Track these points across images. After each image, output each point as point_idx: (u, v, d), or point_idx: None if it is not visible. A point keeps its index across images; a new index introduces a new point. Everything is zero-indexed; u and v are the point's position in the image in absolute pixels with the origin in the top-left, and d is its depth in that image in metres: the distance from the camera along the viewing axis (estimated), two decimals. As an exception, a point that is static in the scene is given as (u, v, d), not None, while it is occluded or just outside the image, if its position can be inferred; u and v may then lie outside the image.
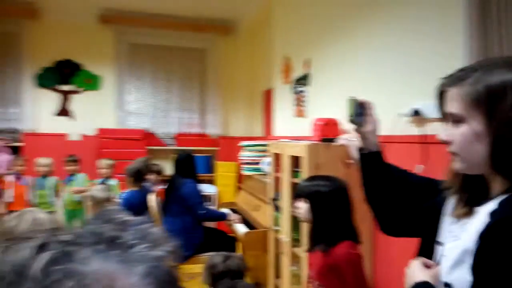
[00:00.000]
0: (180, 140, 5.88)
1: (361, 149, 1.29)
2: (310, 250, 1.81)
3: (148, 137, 5.68)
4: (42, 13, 5.28)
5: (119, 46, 5.64)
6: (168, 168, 5.63)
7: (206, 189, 5.35)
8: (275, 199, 3.10)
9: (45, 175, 4.52)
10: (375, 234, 2.43)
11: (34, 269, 0.34)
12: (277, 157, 3.05)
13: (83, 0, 5.18)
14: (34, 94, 5.38)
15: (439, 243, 0.97)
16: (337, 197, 1.74)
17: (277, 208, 3.06)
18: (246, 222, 3.75)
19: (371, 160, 1.26)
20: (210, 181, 5.76)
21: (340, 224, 1.72)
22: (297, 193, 1.86)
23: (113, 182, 4.45)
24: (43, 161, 4.52)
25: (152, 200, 3.52)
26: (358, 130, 1.28)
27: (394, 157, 1.52)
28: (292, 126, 3.84)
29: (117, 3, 5.30)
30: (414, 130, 2.09)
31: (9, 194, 4.50)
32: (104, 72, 5.62)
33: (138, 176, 3.56)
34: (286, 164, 2.78)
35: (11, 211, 4.41)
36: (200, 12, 5.55)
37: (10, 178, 4.58)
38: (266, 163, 3.50)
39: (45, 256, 0.36)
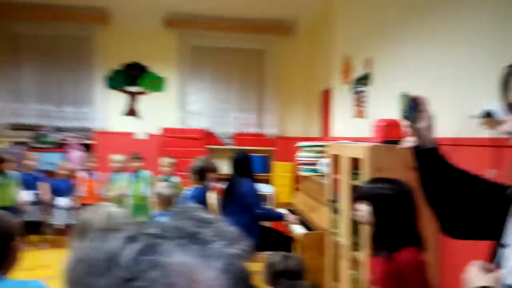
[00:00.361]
0: (238, 140, 6.00)
1: (416, 147, 1.24)
2: (372, 254, 1.77)
3: (207, 136, 5.86)
4: (112, 19, 5.66)
5: (182, 48, 5.88)
6: (226, 167, 5.79)
7: (263, 188, 5.40)
8: (333, 201, 3.06)
9: (118, 171, 4.82)
10: (441, 240, 2.31)
11: (124, 258, 0.37)
12: (335, 158, 3.00)
13: (150, 6, 5.48)
14: (104, 95, 5.77)
15: (503, 245, 0.92)
16: (401, 200, 1.69)
17: (335, 210, 3.01)
18: (303, 223, 3.74)
19: (428, 157, 1.21)
20: (267, 181, 5.81)
21: (404, 229, 1.66)
22: (359, 195, 1.82)
23: (175, 179, 4.63)
24: (117, 158, 4.82)
25: (212, 197, 3.63)
26: (412, 127, 1.23)
27: (462, 160, 1.44)
28: (351, 127, 3.77)
29: (181, 7, 5.53)
30: (484, 133, 1.96)
31: (82, 189, 4.87)
32: (168, 74, 5.89)
33: (201, 174, 3.69)
34: (345, 165, 2.73)
35: (83, 205, 4.78)
36: (259, 14, 5.63)
37: (82, 174, 4.95)
38: (324, 164, 3.47)
39: (135, 247, 0.38)
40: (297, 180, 5.22)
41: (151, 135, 5.78)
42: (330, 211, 3.12)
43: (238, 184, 3.54)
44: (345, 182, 2.74)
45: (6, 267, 1.37)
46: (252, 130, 6.06)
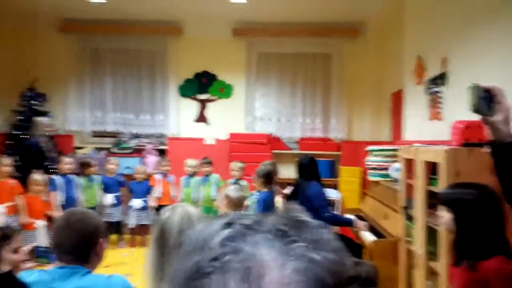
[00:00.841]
0: (303, 144, 5.98)
1: (492, 142, 1.14)
2: (454, 263, 1.66)
3: (273, 141, 5.91)
4: (184, 31, 5.96)
5: (250, 56, 6.02)
6: (291, 172, 5.78)
7: (329, 194, 5.31)
8: (406, 208, 2.92)
9: (191, 175, 5.05)
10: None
11: (214, 241, 0.42)
12: (408, 162, 2.87)
13: (220, 17, 5.70)
14: (177, 103, 6.08)
15: None
16: (486, 206, 1.57)
17: (409, 217, 2.88)
18: (373, 230, 3.62)
19: (505, 152, 1.12)
20: (333, 186, 5.71)
21: (489, 236, 1.54)
22: (440, 201, 1.73)
23: (243, 183, 4.72)
24: (191, 162, 5.05)
25: (279, 201, 3.65)
26: (486, 121, 1.14)
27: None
28: (426, 129, 3.58)
29: (248, 16, 5.68)
30: None
31: (158, 191, 5.16)
32: (236, 81, 6.05)
33: (268, 178, 3.73)
34: (419, 170, 2.60)
35: (158, 206, 5.06)
36: (325, 17, 5.59)
37: (158, 177, 5.25)
38: (396, 169, 3.33)
39: (225, 232, 0.42)
40: (366, 185, 5.07)
41: (219, 141, 5.96)
42: (403, 218, 2.99)
43: (305, 187, 3.52)
44: (420, 187, 2.61)
45: (93, 263, 1.50)
46: (318, 134, 6.00)
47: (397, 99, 4.61)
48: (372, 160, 3.90)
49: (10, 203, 4.08)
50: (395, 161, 3.48)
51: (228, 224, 0.43)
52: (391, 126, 5.05)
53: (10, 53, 5.80)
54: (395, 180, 3.41)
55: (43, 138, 5.14)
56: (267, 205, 3.51)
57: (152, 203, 5.11)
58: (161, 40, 6.00)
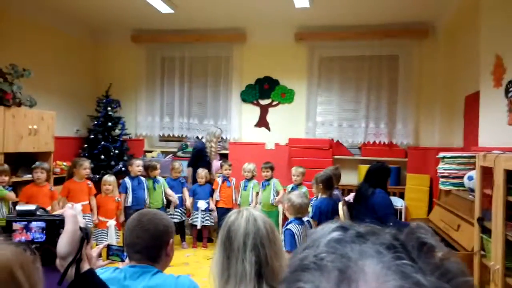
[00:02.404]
0: (366, 150, 5.79)
1: None
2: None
3: (335, 146, 5.79)
4: (248, 37, 6.07)
5: (311, 60, 5.97)
6: (353, 178, 5.63)
7: (394, 202, 5.09)
8: (482, 219, 2.70)
9: (249, 179, 5.11)
10: None
11: (322, 240, 0.43)
12: (485, 171, 2.66)
13: (282, 23, 5.73)
14: (239, 108, 6.19)
15: None
16: None
17: (485, 230, 2.66)
18: (443, 242, 3.39)
19: None
20: (398, 194, 5.46)
21: None
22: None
23: (303, 188, 4.68)
24: (249, 167, 5.12)
25: (341, 208, 3.55)
26: None
27: None
28: (504, 135, 3.29)
29: (311, 21, 5.64)
30: None
31: (218, 194, 5.27)
32: (297, 86, 6.03)
33: (328, 184, 3.66)
34: (499, 179, 2.39)
35: (219, 208, 5.17)
36: (391, 18, 5.38)
37: (219, 180, 5.37)
38: (471, 178, 3.10)
39: (335, 235, 0.43)
40: (435, 194, 4.77)
41: (279, 146, 5.96)
42: (478, 230, 2.77)
43: (370, 194, 3.40)
44: (499, 198, 2.40)
45: (163, 262, 1.54)
46: (383, 140, 5.77)
47: (472, 102, 4.29)
48: (444, 167, 3.66)
49: (85, 203, 4.40)
50: (470, 169, 3.24)
51: (343, 228, 0.44)
52: (464, 131, 4.71)
53: (89, 63, 6.33)
54: (470, 190, 3.17)
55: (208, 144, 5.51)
56: (322, 212, 3.44)
57: (212, 206, 5.24)
58: (226, 47, 6.17)
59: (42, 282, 0.62)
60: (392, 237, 0.41)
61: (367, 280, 0.37)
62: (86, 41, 6.29)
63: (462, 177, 3.43)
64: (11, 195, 3.75)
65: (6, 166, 3.83)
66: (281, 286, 0.43)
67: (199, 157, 5.42)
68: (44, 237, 0.90)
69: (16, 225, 0.90)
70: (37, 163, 4.16)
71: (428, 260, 0.39)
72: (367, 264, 0.38)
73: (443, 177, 3.69)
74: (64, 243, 0.88)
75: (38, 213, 0.93)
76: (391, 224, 3.28)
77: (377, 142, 5.79)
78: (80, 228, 0.91)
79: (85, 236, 0.91)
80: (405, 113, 5.68)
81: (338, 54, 5.91)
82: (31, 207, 0.92)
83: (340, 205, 3.55)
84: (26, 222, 0.90)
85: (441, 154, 3.77)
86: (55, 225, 0.91)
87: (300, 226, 2.91)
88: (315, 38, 5.87)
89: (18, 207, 0.92)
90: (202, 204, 5.21)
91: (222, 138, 5.64)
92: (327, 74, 5.97)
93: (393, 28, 5.54)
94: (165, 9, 5.13)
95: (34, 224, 0.90)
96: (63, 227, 0.90)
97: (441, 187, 3.83)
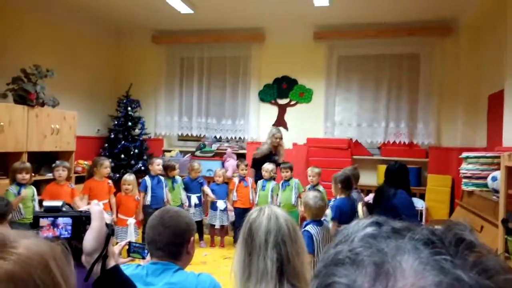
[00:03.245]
0: (386, 150, 5.70)
1: None
2: None
3: (353, 146, 5.73)
4: (267, 37, 6.08)
5: (330, 59, 5.93)
6: (373, 178, 5.55)
7: (414, 203, 5.00)
8: (507, 221, 2.64)
9: (268, 179, 5.10)
10: None
11: (357, 235, 0.43)
12: (510, 171, 2.59)
13: (301, 22, 5.71)
14: (257, 108, 6.20)
15: None
16: None
17: (509, 232, 2.59)
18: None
19: None
20: (419, 195, 5.36)
21: None
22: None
23: (320, 188, 4.64)
24: (268, 167, 5.10)
25: (360, 209, 3.51)
26: None
27: None
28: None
29: (330, 19, 5.60)
30: None
31: (235, 194, 5.28)
32: (315, 86, 6.00)
33: (346, 184, 3.62)
34: (525, 180, 2.33)
35: (236, 208, 5.18)
36: (412, 16, 5.30)
37: (236, 180, 5.37)
38: (495, 178, 3.02)
39: (369, 230, 0.43)
40: (457, 195, 4.67)
41: (297, 145, 5.93)
42: (502, 232, 2.69)
43: (392, 195, 3.34)
44: (525, 199, 2.33)
45: (184, 260, 1.55)
46: (403, 139, 5.68)
47: (496, 101, 4.19)
48: (467, 168, 3.58)
49: (105, 201, 4.47)
50: (494, 169, 3.16)
51: (377, 224, 0.43)
52: (487, 131, 4.60)
53: (110, 64, 6.44)
54: (494, 190, 3.09)
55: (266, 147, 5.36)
56: (343, 212, 3.40)
57: (229, 205, 5.25)
58: (244, 47, 6.18)
59: (74, 276, 0.64)
60: (429, 233, 0.40)
61: (404, 275, 0.37)
62: (108, 42, 6.40)
63: (485, 178, 3.35)
64: (17, 200, 3.73)
65: (28, 164, 3.92)
66: (314, 281, 0.43)
67: (264, 157, 5.28)
68: (71, 233, 0.92)
69: (44, 221, 0.91)
70: (57, 162, 4.24)
71: (466, 256, 0.38)
72: (404, 259, 0.38)
73: (466, 177, 3.61)
74: (90, 239, 0.89)
75: (64, 209, 0.94)
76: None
77: (397, 142, 5.70)
78: (106, 225, 0.93)
79: (111, 232, 0.92)
80: (426, 113, 5.57)
81: (358, 53, 5.85)
82: (58, 203, 0.94)
83: (360, 205, 3.51)
84: (53, 218, 0.92)
85: (464, 154, 3.69)
86: (81, 221, 0.92)
87: (318, 227, 2.89)
88: (334, 36, 5.82)
89: (45, 203, 0.94)
90: (221, 204, 5.23)
91: (278, 136, 5.32)
92: (346, 73, 5.91)
93: (414, 26, 5.45)
94: (184, 9, 5.18)
95: (60, 220, 0.92)
96: (89, 223, 0.92)
97: (463, 187, 3.75)
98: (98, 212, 0.92)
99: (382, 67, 5.74)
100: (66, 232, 0.92)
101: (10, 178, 3.85)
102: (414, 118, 5.66)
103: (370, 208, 3.70)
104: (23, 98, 4.36)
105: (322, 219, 3.00)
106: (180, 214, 1.59)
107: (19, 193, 3.75)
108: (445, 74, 5.49)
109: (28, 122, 4.36)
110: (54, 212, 0.92)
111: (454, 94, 5.43)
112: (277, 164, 5.18)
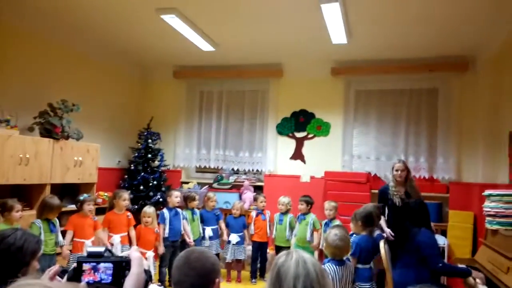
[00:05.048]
0: (406, 185, 5.62)
1: None
2: None
3: (372, 180, 5.69)
4: (285, 72, 6.22)
5: (348, 94, 6.00)
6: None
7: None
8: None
9: (284, 212, 5.08)
10: None
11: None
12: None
13: (319, 57, 5.84)
14: (275, 141, 6.26)
15: None
16: None
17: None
18: (490, 284, 3.20)
19: None
20: (440, 231, 5.24)
21: None
22: None
23: (336, 222, 4.59)
24: (284, 200, 5.10)
25: (382, 247, 3.45)
26: None
27: None
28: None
29: (348, 55, 5.71)
30: None
31: (252, 227, 5.25)
32: (333, 119, 6.05)
33: (368, 220, 3.58)
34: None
35: (253, 242, 5.15)
36: (431, 52, 5.35)
37: (253, 213, 5.36)
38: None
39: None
40: (481, 232, 4.55)
41: (315, 179, 5.92)
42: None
43: (414, 233, 3.28)
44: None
45: None
46: (423, 174, 5.62)
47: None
48: (490, 206, 3.51)
49: (124, 234, 4.50)
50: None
51: None
52: (509, 167, 4.52)
53: (132, 97, 6.65)
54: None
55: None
56: (362, 249, 3.35)
57: (247, 239, 5.21)
58: (263, 82, 6.32)
59: None
60: None
61: None
62: (131, 76, 6.63)
63: (510, 216, 3.28)
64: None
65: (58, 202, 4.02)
66: None
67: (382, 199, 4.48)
68: (111, 278, 0.95)
69: (86, 266, 0.95)
70: (85, 195, 4.32)
71: None
72: None
73: (489, 215, 3.53)
74: (130, 285, 0.92)
75: (105, 254, 0.98)
76: (438, 265, 3.14)
77: (416, 176, 5.63)
78: (145, 271, 0.96)
79: (149, 278, 0.95)
80: (446, 147, 5.53)
81: (375, 87, 5.90)
82: (100, 248, 0.98)
83: (382, 243, 3.45)
84: (95, 263, 0.95)
85: (487, 192, 3.63)
86: (121, 267, 0.96)
87: (337, 266, 2.85)
88: (352, 72, 5.91)
89: (89, 249, 0.98)
90: (234, 238, 5.20)
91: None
92: (364, 108, 5.95)
93: (433, 62, 5.50)
94: (207, 47, 5.35)
95: (102, 265, 0.96)
96: (128, 269, 0.95)
97: (487, 226, 3.66)
98: (138, 258, 0.96)
99: (400, 102, 5.76)
100: (106, 277, 0.95)
101: (38, 211, 3.94)
102: (433, 152, 5.61)
103: (392, 246, 3.63)
104: (49, 131, 4.51)
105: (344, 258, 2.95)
106: (205, 255, 1.60)
107: (52, 229, 3.86)
108: (464, 109, 5.48)
109: (53, 154, 4.49)
110: (96, 257, 0.96)
111: (474, 129, 5.39)
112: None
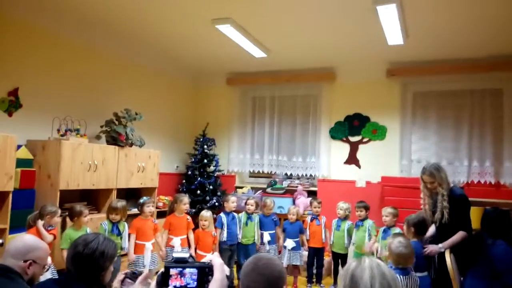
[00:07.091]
0: (469, 190, 5.31)
1: None
2: None
3: (432, 186, 5.44)
4: (337, 75, 6.16)
5: (404, 96, 5.81)
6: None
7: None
8: None
9: (343, 218, 5.00)
10: None
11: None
12: None
13: (373, 59, 5.72)
14: (328, 145, 6.19)
15: None
16: None
17: None
18: None
19: None
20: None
21: None
22: None
23: (396, 230, 4.43)
24: (343, 205, 5.01)
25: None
26: None
27: None
28: None
29: (403, 56, 5.54)
30: None
31: (307, 233, 5.21)
32: (389, 123, 5.88)
33: (420, 227, 3.45)
34: None
35: (309, 247, 5.11)
36: (493, 50, 5.06)
37: (308, 218, 5.32)
38: None
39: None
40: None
41: (370, 184, 5.79)
42: None
43: (489, 245, 3.07)
44: None
45: None
46: (488, 179, 5.31)
47: None
48: None
49: (184, 236, 4.66)
50: None
51: None
52: None
53: (189, 105, 6.91)
54: None
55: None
56: (418, 257, 3.20)
57: (305, 244, 5.18)
58: (315, 86, 6.30)
59: None
60: None
61: None
62: (187, 84, 6.88)
63: None
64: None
65: (124, 204, 4.25)
66: None
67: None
68: (196, 283, 1.01)
69: (173, 271, 1.02)
70: (144, 198, 4.53)
71: None
72: None
73: None
74: None
75: (190, 260, 1.04)
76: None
77: (481, 182, 5.33)
78: (226, 276, 1.01)
79: (230, 284, 1.00)
80: (515, 151, 5.18)
81: (434, 89, 5.66)
82: (185, 254, 1.04)
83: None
84: (181, 268, 1.02)
85: None
86: (204, 272, 1.02)
87: (402, 276, 2.76)
88: (408, 73, 5.72)
89: (175, 255, 1.05)
90: (289, 243, 5.17)
91: None
92: (422, 110, 5.72)
93: (495, 61, 5.19)
94: (259, 54, 5.44)
95: (187, 270, 1.02)
96: (211, 274, 1.00)
97: None
98: (220, 264, 1.01)
99: (461, 104, 5.49)
100: (192, 281, 1.01)
101: (106, 214, 4.20)
102: (499, 157, 5.28)
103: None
104: (115, 139, 4.80)
105: (408, 266, 2.85)
106: (273, 261, 1.63)
107: (114, 230, 4.09)
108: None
109: (118, 161, 4.76)
110: (182, 263, 1.03)
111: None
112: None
